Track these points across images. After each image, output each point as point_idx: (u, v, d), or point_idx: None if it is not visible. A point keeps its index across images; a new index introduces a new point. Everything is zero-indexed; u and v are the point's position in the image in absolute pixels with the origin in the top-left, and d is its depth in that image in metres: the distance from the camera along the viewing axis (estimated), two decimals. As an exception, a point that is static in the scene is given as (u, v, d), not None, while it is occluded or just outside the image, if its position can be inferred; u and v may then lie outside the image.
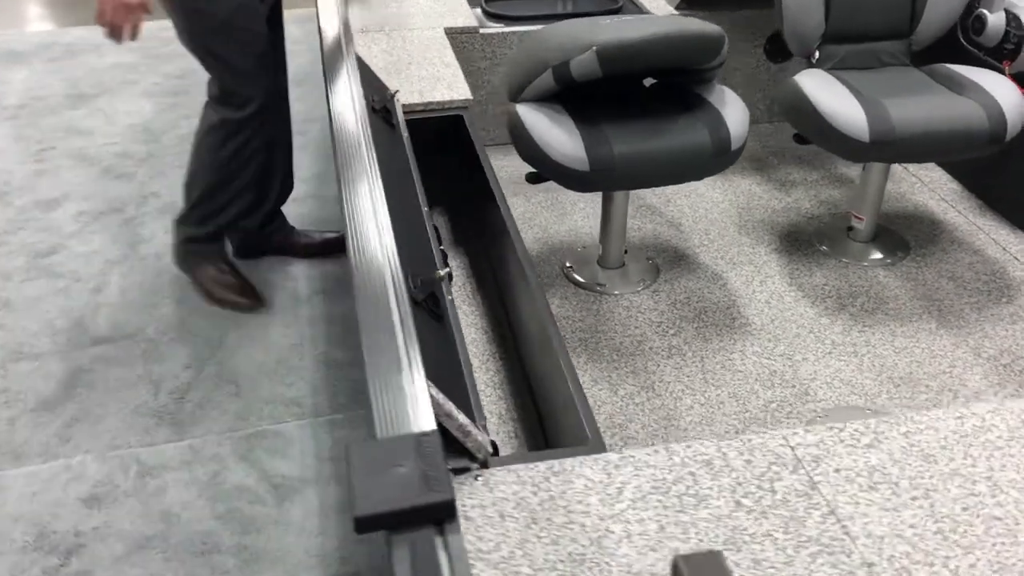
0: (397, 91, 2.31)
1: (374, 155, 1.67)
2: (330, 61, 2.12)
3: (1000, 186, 2.76)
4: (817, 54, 2.56)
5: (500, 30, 3.01)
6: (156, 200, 3.43)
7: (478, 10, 3.13)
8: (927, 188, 2.92)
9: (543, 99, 2.24)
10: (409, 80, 2.51)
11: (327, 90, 2.01)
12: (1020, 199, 2.69)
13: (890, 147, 2.25)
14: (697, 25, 2.10)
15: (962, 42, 2.71)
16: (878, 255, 2.60)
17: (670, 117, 2.21)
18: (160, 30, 3.68)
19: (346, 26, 2.35)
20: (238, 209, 2.78)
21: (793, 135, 2.55)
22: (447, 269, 1.56)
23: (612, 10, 3.14)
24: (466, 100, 2.41)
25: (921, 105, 2.30)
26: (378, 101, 2.15)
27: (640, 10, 3.14)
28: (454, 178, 2.48)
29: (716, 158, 2.18)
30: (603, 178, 2.14)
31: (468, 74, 3.01)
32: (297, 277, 3.00)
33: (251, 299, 2.85)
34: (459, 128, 2.40)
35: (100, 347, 2.68)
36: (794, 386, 2.14)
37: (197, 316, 2.80)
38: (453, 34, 2.92)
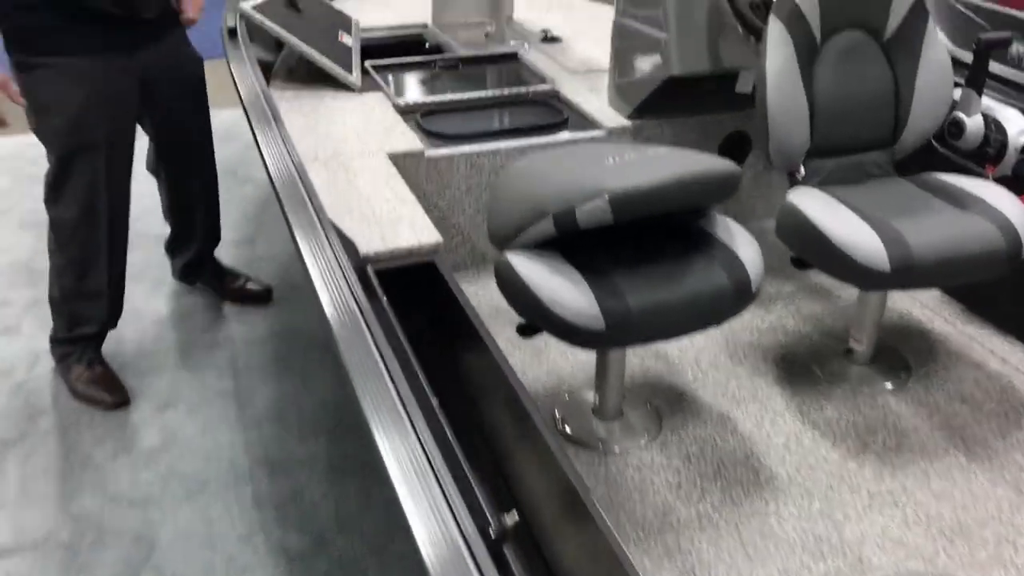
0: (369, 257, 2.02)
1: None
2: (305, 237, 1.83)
3: (982, 290, 2.65)
4: (803, 169, 2.40)
5: (448, 153, 2.74)
6: (48, 360, 2.97)
7: (410, 126, 2.85)
8: (907, 295, 2.79)
9: (536, 245, 1.97)
10: (365, 221, 2.20)
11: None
12: (1003, 303, 2.59)
13: (910, 275, 2.08)
14: (711, 164, 1.88)
15: (937, 147, 2.61)
16: (882, 379, 2.42)
17: (681, 258, 1.97)
18: (28, 146, 3.33)
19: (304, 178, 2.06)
20: (89, 312, 2.81)
21: (792, 259, 2.36)
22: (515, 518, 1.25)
23: (558, 123, 2.92)
24: (436, 244, 2.12)
25: (933, 227, 2.14)
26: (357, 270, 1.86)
27: (588, 122, 2.93)
28: (422, 332, 2.17)
29: (736, 302, 1.96)
30: (620, 335, 1.88)
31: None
32: (235, 446, 2.60)
33: (115, 395, 2.80)
34: (430, 275, 2.10)
35: (1, 562, 2.21)
36: (845, 554, 1.90)
37: (121, 507, 2.37)
38: (396, 159, 2.64)
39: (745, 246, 2.00)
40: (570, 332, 1.88)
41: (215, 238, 3.27)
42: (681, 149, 2.04)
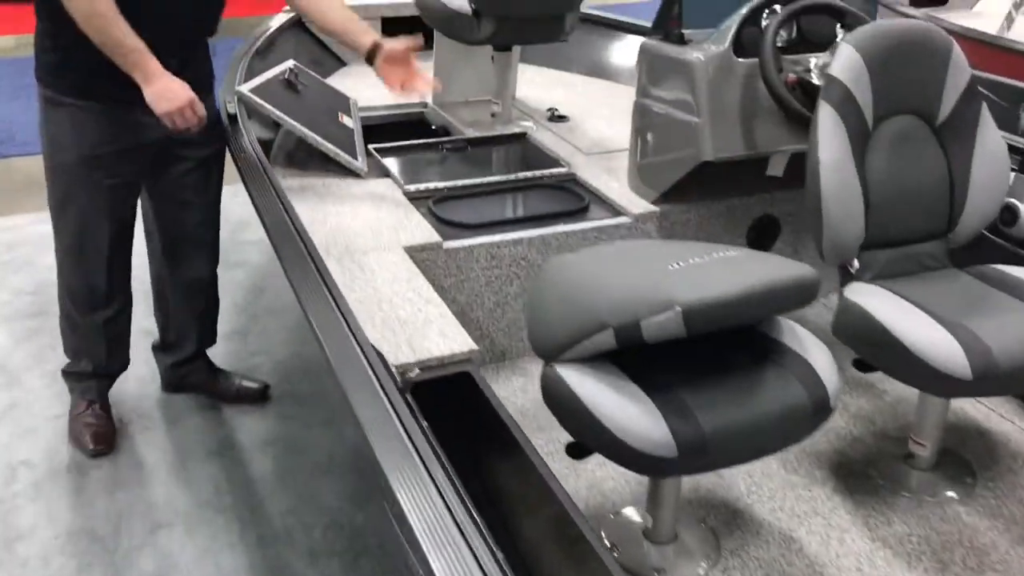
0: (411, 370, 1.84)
1: None
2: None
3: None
4: (856, 263, 2.24)
5: (467, 244, 2.56)
6: (28, 472, 2.70)
7: (423, 214, 2.67)
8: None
9: (591, 358, 1.78)
10: (389, 327, 2.01)
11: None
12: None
13: (994, 382, 1.92)
14: (787, 270, 1.71)
15: (988, 235, 2.47)
16: (947, 486, 2.24)
17: (751, 370, 1.79)
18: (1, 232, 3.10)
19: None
20: (86, 347, 2.80)
21: (854, 361, 2.19)
22: None
23: (579, 210, 2.75)
24: (471, 352, 1.93)
25: (1009, 327, 1.99)
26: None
27: (611, 208, 2.77)
28: (456, 444, 1.97)
29: (815, 419, 1.77)
30: (693, 462, 1.68)
31: None
32: (239, 571, 2.35)
33: (97, 445, 2.78)
34: (464, 384, 1.91)
35: None
36: None
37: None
38: (413, 252, 2.45)
39: (818, 354, 1.82)
40: (634, 459, 1.68)
41: (212, 339, 3.05)
42: (748, 251, 1.87)
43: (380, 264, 2.32)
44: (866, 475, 2.29)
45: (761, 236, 2.90)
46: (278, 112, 2.84)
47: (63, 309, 2.79)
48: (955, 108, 2.25)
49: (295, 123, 2.86)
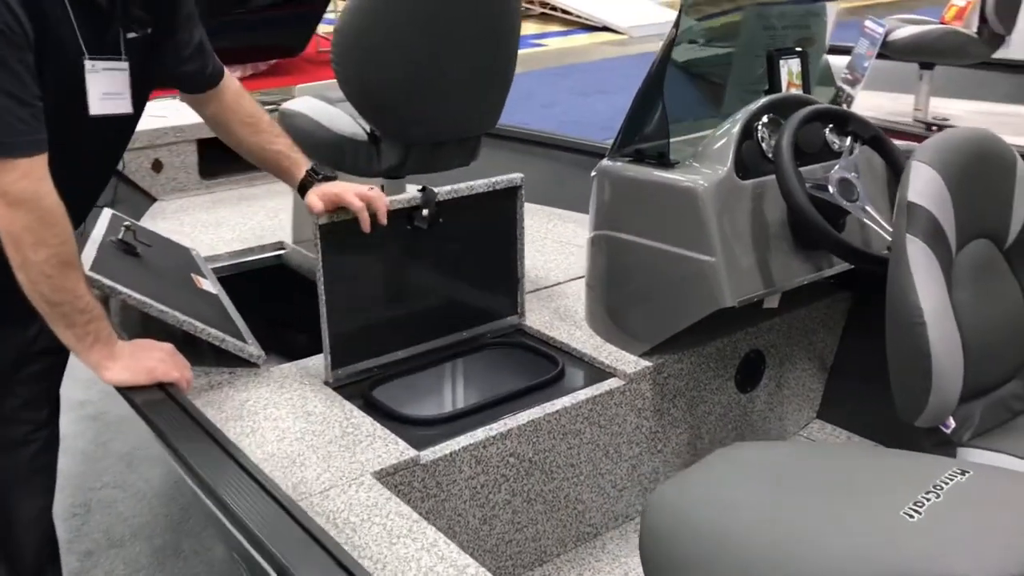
0: None
1: None
2: None
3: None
4: (951, 421, 1.85)
5: (447, 450, 1.90)
6: None
7: (360, 408, 2.00)
8: None
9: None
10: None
11: None
12: None
13: None
14: None
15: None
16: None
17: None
18: None
19: None
20: None
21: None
22: None
23: (557, 375, 2.18)
24: None
25: None
26: None
27: (587, 364, 2.22)
28: None
29: None
30: None
31: None
32: None
33: None
34: None
35: None
36: None
37: None
38: (386, 479, 1.78)
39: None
40: None
41: None
42: (981, 467, 1.39)
43: (355, 515, 1.63)
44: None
45: (749, 376, 2.47)
46: (137, 295, 2.04)
47: None
48: (1024, 225, 1.94)
49: (158, 305, 2.07)
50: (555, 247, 2.89)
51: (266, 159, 2.04)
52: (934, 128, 4.10)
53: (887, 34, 4.17)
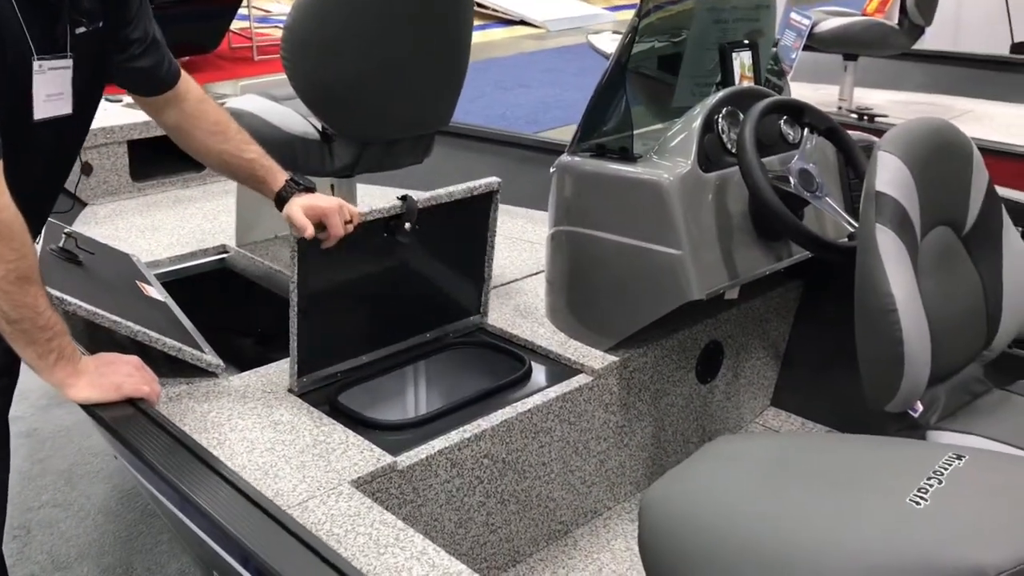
0: None
1: None
2: None
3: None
4: (919, 405, 1.89)
5: (422, 455, 1.85)
6: None
7: (329, 415, 1.94)
8: None
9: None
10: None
11: None
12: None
13: None
14: None
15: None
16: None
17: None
18: None
19: None
20: None
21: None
22: None
23: (524, 374, 2.15)
24: None
25: None
26: None
27: (552, 361, 2.21)
28: None
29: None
30: None
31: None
32: None
33: None
34: None
35: None
36: None
37: None
38: (365, 486, 1.74)
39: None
40: None
41: None
42: (976, 451, 1.41)
43: (339, 527, 1.58)
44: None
45: (708, 367, 2.49)
46: (88, 306, 1.95)
47: None
48: (980, 212, 1.99)
49: (110, 315, 1.98)
50: (507, 243, 2.87)
51: (239, 168, 1.95)
52: (864, 118, 4.19)
53: (813, 26, 4.26)
